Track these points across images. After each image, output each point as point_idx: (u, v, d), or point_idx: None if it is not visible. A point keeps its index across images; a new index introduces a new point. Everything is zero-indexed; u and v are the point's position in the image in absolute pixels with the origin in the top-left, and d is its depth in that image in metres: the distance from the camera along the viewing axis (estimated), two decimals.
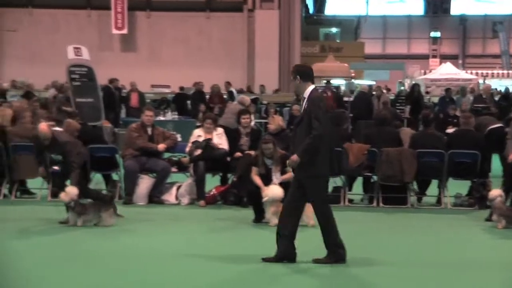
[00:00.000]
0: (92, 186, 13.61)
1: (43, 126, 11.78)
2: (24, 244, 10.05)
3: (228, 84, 29.73)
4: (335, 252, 8.84)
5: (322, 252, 8.87)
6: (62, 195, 11.15)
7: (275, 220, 10.36)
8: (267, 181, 11.86)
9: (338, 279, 8.42)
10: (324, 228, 8.87)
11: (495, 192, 11.83)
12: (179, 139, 15.55)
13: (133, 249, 9.78)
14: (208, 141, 13.68)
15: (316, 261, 8.85)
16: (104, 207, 11.34)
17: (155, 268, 8.74)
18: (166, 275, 8.45)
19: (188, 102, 28.32)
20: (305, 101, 8.75)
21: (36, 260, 9.14)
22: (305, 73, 8.91)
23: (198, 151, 13.65)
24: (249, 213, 12.01)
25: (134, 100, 27.05)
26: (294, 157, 8.67)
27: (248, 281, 8.34)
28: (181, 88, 31.51)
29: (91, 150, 13.63)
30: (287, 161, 9.13)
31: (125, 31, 39.63)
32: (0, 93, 25.67)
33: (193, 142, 13.80)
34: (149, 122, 14.07)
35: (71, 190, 11.14)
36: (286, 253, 8.87)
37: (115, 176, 14.21)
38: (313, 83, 8.92)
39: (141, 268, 8.72)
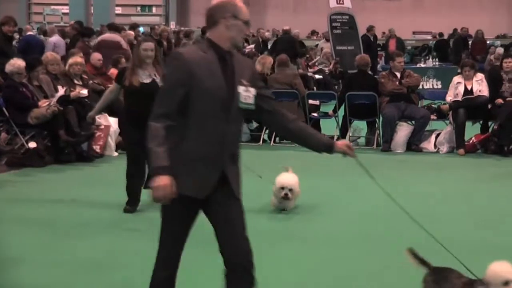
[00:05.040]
0: (350, 133, 13.99)
1: None
2: None
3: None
4: None
5: None
6: None
7: None
8: None
9: None
10: None
11: None
12: (436, 85, 15.32)
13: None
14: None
15: None
16: None
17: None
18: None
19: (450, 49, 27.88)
20: None
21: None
22: None
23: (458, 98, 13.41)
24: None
25: (392, 46, 26.99)
26: None
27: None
28: (441, 35, 30.94)
29: (350, 97, 13.90)
30: None
31: None
32: (262, 41, 26.48)
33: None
34: (400, 68, 14.05)
35: None
36: None
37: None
38: None
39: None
